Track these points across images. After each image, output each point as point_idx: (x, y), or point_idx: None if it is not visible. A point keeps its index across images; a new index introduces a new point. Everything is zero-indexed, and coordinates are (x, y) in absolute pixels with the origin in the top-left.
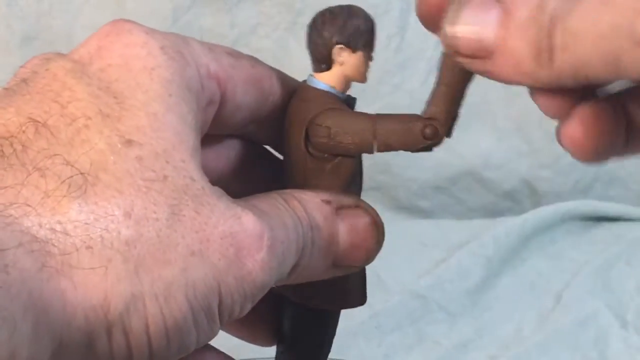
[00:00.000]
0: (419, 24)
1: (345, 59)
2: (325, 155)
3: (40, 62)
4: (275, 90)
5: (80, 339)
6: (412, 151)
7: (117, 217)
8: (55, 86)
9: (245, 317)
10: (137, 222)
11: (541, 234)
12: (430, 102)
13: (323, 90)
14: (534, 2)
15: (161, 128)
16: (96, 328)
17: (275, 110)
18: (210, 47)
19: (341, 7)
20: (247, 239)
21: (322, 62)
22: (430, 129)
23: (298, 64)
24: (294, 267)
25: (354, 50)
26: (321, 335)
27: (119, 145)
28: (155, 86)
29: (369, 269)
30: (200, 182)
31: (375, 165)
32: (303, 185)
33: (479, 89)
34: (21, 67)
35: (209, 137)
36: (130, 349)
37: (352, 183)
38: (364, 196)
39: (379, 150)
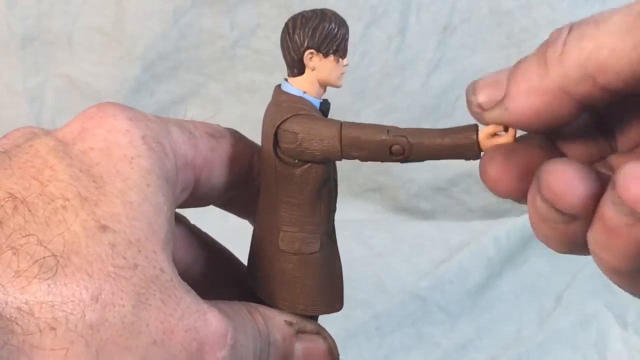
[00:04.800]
0: (419, 25)
1: (316, 64)
2: (295, 160)
3: (24, 135)
4: (256, 166)
5: None
6: (380, 161)
7: (84, 300)
8: (37, 163)
9: None
10: (103, 307)
11: None
12: (417, 129)
13: (294, 96)
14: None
15: (136, 217)
16: None
17: (255, 184)
18: (192, 131)
19: (314, 12)
20: (210, 335)
21: (294, 66)
22: (396, 147)
23: None
24: None
25: (325, 55)
26: None
27: (94, 230)
28: (134, 175)
29: (370, 270)
30: (170, 274)
31: (376, 166)
32: (275, 190)
33: None
34: (2, 137)
35: (182, 235)
36: None
37: (323, 189)
38: (364, 198)
39: (345, 157)
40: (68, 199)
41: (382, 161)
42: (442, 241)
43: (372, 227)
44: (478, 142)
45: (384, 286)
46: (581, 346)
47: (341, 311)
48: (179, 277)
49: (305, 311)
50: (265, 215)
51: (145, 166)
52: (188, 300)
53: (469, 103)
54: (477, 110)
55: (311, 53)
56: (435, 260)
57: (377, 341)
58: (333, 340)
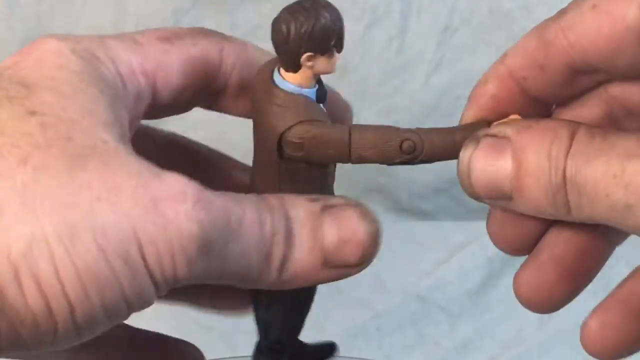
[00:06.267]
0: (420, 26)
1: (314, 62)
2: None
3: None
4: (228, 61)
5: None
6: (389, 164)
7: (11, 166)
8: None
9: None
10: (34, 169)
11: None
12: (427, 128)
13: (291, 94)
14: (543, 151)
15: (68, 105)
16: (1, 274)
17: (234, 80)
18: (136, 40)
19: (307, 10)
20: (165, 192)
21: (289, 65)
22: (408, 143)
23: None
24: (282, 261)
25: (323, 53)
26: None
27: (22, 114)
28: (64, 75)
29: (370, 270)
30: (114, 144)
31: (376, 167)
32: (277, 186)
33: None
34: None
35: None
36: (46, 297)
37: (325, 185)
38: (364, 198)
39: (354, 162)
40: None
41: (391, 162)
42: (443, 241)
43: None
44: None
45: (384, 286)
46: (581, 346)
47: (341, 311)
48: (131, 149)
49: None
50: None
51: (75, 69)
52: (137, 164)
53: (462, 182)
54: (474, 197)
55: (310, 55)
56: (435, 260)
57: (377, 341)
58: (364, 205)
